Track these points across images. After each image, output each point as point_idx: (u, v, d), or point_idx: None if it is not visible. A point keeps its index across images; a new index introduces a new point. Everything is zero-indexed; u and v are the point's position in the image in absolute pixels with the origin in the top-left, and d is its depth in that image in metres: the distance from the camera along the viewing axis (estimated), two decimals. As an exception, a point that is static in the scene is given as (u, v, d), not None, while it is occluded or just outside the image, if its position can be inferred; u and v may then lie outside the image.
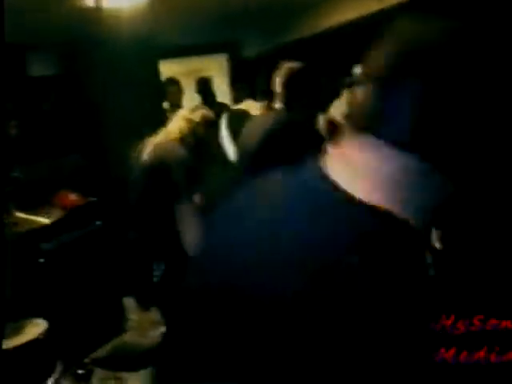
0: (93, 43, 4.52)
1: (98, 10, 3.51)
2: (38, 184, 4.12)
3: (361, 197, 0.64)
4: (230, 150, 2.99)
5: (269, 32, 5.67)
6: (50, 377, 1.96)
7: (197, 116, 2.77)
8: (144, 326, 2.38)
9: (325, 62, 3.98)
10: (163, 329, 2.32)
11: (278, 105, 2.71)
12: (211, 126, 2.81)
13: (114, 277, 3.39)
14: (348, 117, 0.70)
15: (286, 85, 2.65)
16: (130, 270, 2.84)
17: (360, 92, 0.69)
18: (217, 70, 6.27)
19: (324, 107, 2.67)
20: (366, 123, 0.67)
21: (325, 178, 0.68)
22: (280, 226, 0.65)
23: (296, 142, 2.19)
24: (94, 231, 3.94)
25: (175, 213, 2.57)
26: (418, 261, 0.65)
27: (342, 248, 0.58)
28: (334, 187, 0.66)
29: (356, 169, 0.65)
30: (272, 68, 2.74)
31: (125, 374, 1.97)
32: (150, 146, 2.68)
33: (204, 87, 5.29)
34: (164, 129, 2.79)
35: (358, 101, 0.69)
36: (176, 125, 2.75)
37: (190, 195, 2.68)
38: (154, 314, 2.45)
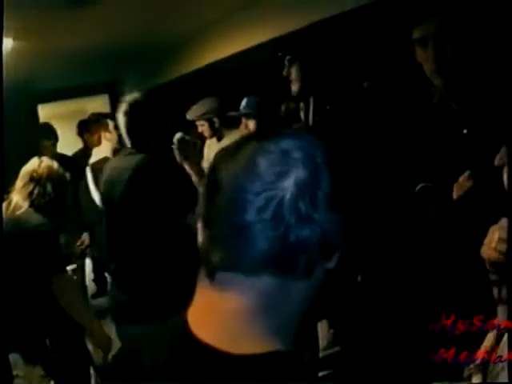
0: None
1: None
2: None
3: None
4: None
5: (148, 72, 5.77)
6: None
7: (44, 171, 2.38)
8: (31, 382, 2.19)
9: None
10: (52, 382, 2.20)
11: (127, 147, 2.30)
12: (61, 180, 2.45)
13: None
14: None
15: (130, 119, 2.23)
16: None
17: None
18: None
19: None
20: None
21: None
22: None
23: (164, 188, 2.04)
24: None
25: (53, 287, 2.24)
26: None
27: None
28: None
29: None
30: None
31: None
32: (4, 216, 2.25)
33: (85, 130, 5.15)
34: (14, 190, 2.39)
35: None
36: (24, 187, 2.37)
37: (63, 265, 2.37)
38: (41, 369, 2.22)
